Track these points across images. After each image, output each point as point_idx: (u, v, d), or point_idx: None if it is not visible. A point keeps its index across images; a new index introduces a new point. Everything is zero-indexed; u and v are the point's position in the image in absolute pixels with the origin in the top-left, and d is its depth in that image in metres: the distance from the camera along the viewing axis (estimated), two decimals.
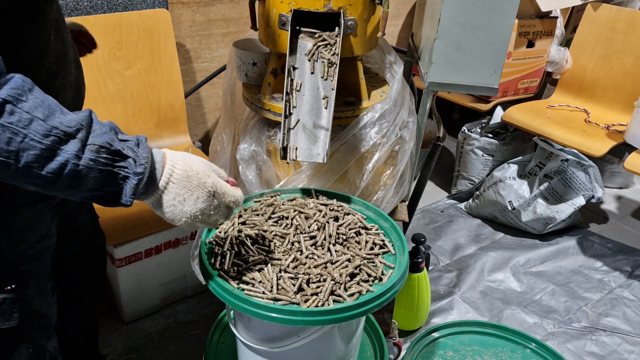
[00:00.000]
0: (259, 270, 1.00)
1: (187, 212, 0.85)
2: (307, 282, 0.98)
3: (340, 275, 0.98)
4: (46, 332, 1.07)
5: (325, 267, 1.01)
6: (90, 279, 1.39)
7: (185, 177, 0.84)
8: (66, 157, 0.72)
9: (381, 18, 1.34)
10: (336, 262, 1.02)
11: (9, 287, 0.93)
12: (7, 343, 0.98)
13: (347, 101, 1.40)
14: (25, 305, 0.97)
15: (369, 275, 1.01)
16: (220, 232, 1.10)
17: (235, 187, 0.93)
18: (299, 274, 0.98)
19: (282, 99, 1.24)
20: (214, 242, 1.07)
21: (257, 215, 1.15)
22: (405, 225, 1.89)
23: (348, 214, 1.18)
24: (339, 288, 0.96)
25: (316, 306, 0.93)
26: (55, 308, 1.10)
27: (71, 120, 0.73)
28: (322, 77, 1.23)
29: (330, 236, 1.07)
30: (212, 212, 0.87)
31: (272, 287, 0.96)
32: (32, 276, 0.98)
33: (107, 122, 0.79)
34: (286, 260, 1.01)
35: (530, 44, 2.55)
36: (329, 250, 1.05)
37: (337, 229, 1.10)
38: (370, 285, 0.99)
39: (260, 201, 1.22)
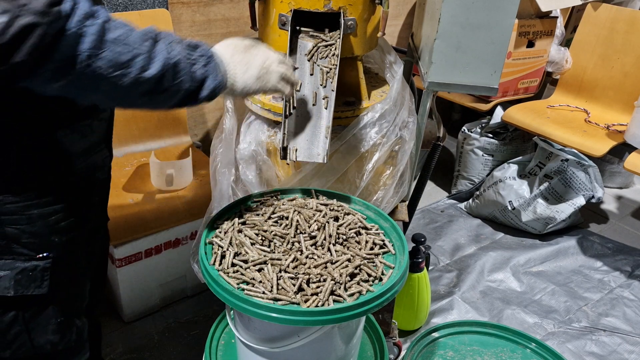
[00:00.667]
0: (259, 270, 1.00)
1: (255, 69, 0.98)
2: (307, 282, 0.98)
3: (340, 275, 0.98)
4: (76, 308, 1.12)
5: (325, 267, 1.01)
6: (95, 279, 1.40)
7: (234, 47, 0.97)
8: (163, 54, 0.83)
9: (381, 18, 1.34)
10: (336, 262, 1.02)
11: (40, 255, 0.98)
12: (37, 309, 1.03)
13: (347, 101, 1.40)
14: (56, 275, 1.01)
15: (369, 275, 1.01)
16: (220, 232, 1.10)
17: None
18: (299, 274, 0.98)
19: (282, 99, 1.24)
20: (214, 242, 1.07)
21: (257, 215, 1.15)
22: (405, 225, 1.89)
23: (348, 214, 1.18)
24: (339, 288, 0.96)
25: (316, 306, 0.93)
26: (87, 288, 1.15)
27: (146, 28, 0.84)
28: (322, 85, 1.23)
29: (330, 236, 1.07)
30: (269, 65, 1.00)
31: (272, 287, 0.96)
32: (65, 248, 1.02)
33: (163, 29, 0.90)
34: (286, 260, 1.01)
35: (530, 44, 2.55)
36: (329, 250, 1.05)
37: (337, 229, 1.10)
38: (370, 285, 0.99)
39: (260, 201, 1.22)
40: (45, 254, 0.99)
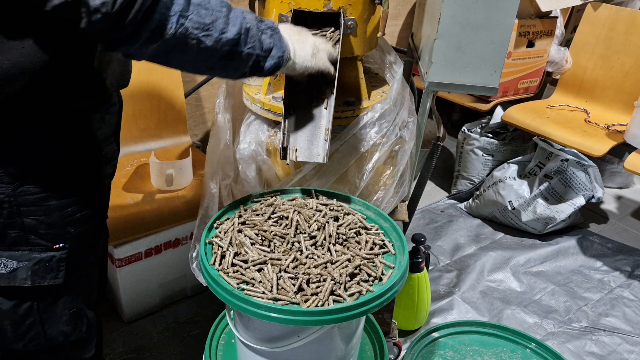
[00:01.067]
0: (259, 270, 1.00)
1: (309, 47, 1.08)
2: (307, 282, 0.98)
3: (340, 275, 0.98)
4: (87, 300, 1.14)
5: (325, 267, 1.01)
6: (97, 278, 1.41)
7: (290, 29, 1.08)
8: (239, 20, 0.90)
9: (381, 18, 1.34)
10: (336, 262, 1.02)
11: (57, 246, 1.01)
12: (51, 300, 1.06)
13: (347, 101, 1.40)
14: (70, 266, 1.04)
15: (369, 275, 1.01)
16: (220, 232, 1.10)
17: None
18: (298, 274, 0.98)
19: (282, 99, 1.24)
20: (214, 242, 1.07)
21: (257, 215, 1.15)
22: (405, 225, 1.89)
23: (348, 214, 1.18)
24: (339, 288, 0.96)
25: (316, 306, 0.93)
26: (96, 281, 1.18)
27: None
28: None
29: (330, 236, 1.07)
30: (318, 45, 1.10)
31: (272, 287, 0.96)
32: (80, 239, 1.05)
33: None
34: (286, 260, 1.01)
35: (530, 44, 2.55)
36: (329, 250, 1.05)
37: (337, 229, 1.10)
38: (370, 285, 0.99)
39: (260, 201, 1.22)
40: (61, 245, 1.01)
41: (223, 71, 0.96)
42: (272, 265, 1.01)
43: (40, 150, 0.94)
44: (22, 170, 0.94)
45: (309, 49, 1.07)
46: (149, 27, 0.80)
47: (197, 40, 0.85)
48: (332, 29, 1.28)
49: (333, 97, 1.20)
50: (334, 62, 1.15)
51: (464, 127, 2.74)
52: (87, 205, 1.05)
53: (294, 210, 1.14)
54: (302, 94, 1.23)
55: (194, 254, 1.43)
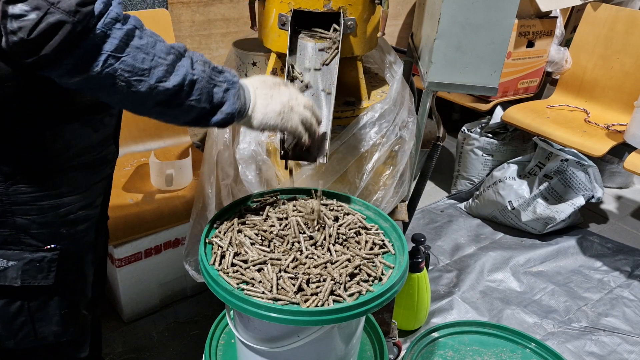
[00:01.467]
0: (259, 270, 1.00)
1: (277, 105, 0.99)
2: (307, 282, 0.98)
3: (340, 275, 0.98)
4: (81, 301, 1.13)
5: (325, 267, 1.01)
6: (96, 276, 1.41)
7: (262, 81, 1.01)
8: (185, 70, 0.86)
9: (381, 18, 1.34)
10: (336, 262, 1.02)
11: (48, 247, 1.00)
12: (43, 300, 1.05)
13: (347, 101, 1.40)
14: (62, 267, 1.03)
15: (369, 275, 1.01)
16: (220, 232, 1.10)
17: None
18: (298, 274, 0.98)
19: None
20: (214, 242, 1.07)
21: (257, 215, 1.15)
22: (405, 225, 1.89)
23: (348, 214, 1.18)
24: (339, 288, 0.96)
25: (316, 306, 0.93)
26: (90, 282, 1.16)
27: (177, 44, 0.89)
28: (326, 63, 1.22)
29: (330, 236, 1.07)
30: (293, 105, 1.01)
31: (271, 287, 0.96)
32: (73, 240, 1.04)
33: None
34: (286, 260, 1.01)
35: (530, 44, 2.55)
36: (328, 250, 1.05)
37: (337, 229, 1.10)
38: (370, 285, 0.99)
39: (260, 201, 1.22)
40: (53, 245, 1.00)
41: (161, 117, 0.91)
42: (272, 265, 1.01)
43: (36, 150, 0.94)
44: (15, 169, 0.93)
45: (276, 106, 0.99)
46: (70, 60, 0.78)
47: (128, 83, 0.82)
48: (333, 28, 1.28)
49: (333, 97, 1.20)
50: (310, 129, 1.05)
51: (463, 127, 2.74)
52: (82, 206, 1.04)
53: (294, 210, 1.14)
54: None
55: (188, 253, 1.44)
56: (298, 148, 1.13)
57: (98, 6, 0.77)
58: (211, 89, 0.90)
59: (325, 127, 1.18)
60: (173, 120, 0.92)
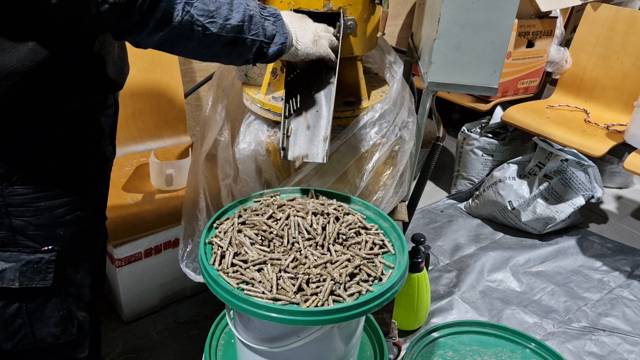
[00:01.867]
0: (259, 270, 1.00)
1: (311, 34, 1.10)
2: (307, 282, 0.98)
3: (340, 275, 0.98)
4: (78, 303, 1.12)
5: (325, 267, 1.01)
6: (95, 277, 1.41)
7: (292, 16, 1.11)
8: (242, 7, 0.93)
9: (381, 18, 1.34)
10: (336, 262, 1.02)
11: (46, 248, 1.00)
12: (40, 302, 1.04)
13: (347, 101, 1.40)
14: (60, 268, 1.03)
15: (369, 275, 1.01)
16: (220, 232, 1.10)
17: None
18: (298, 273, 0.98)
19: (282, 99, 1.24)
20: (214, 242, 1.07)
21: (257, 215, 1.15)
22: (405, 225, 1.89)
23: (348, 214, 1.18)
24: (339, 288, 0.96)
25: (316, 306, 0.93)
26: (89, 283, 1.16)
27: None
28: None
29: (330, 236, 1.07)
30: (319, 32, 1.13)
31: (271, 287, 0.96)
32: (70, 241, 1.03)
33: None
34: (286, 260, 1.01)
35: (530, 44, 2.55)
36: (328, 250, 1.05)
37: (338, 229, 1.10)
38: (370, 285, 0.99)
39: (260, 201, 1.22)
40: (50, 247, 1.00)
41: (227, 58, 0.98)
42: (271, 265, 1.01)
43: (31, 150, 0.93)
44: (11, 170, 0.92)
45: (310, 36, 1.10)
46: (156, 15, 0.82)
47: (203, 27, 0.88)
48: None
49: (333, 97, 1.20)
50: (334, 50, 1.17)
51: (463, 127, 2.74)
52: (79, 207, 1.03)
53: (294, 210, 1.14)
54: (302, 94, 1.23)
55: (184, 254, 1.44)
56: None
57: None
58: (263, 23, 0.98)
59: (325, 127, 1.18)
60: (237, 60, 0.99)
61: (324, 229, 1.09)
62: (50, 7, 0.78)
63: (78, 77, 0.94)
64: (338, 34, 1.24)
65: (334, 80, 1.21)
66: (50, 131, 0.94)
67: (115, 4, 0.77)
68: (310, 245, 1.06)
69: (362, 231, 1.13)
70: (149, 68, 2.01)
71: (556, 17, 2.59)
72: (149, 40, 0.87)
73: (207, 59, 0.99)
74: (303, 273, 0.99)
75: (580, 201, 2.38)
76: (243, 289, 0.96)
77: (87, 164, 1.04)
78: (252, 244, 1.05)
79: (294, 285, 0.96)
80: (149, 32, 0.84)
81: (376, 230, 1.14)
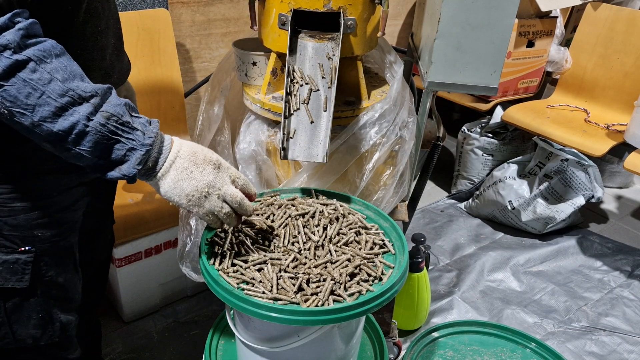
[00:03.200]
0: (259, 270, 1.00)
1: (190, 186, 0.90)
2: (307, 282, 0.98)
3: (340, 275, 0.98)
4: (62, 305, 1.10)
5: (325, 267, 1.01)
6: (96, 279, 1.40)
7: (192, 153, 0.91)
8: (77, 117, 0.79)
9: (381, 18, 1.34)
10: (336, 261, 1.02)
11: (23, 249, 0.98)
12: (18, 302, 1.02)
13: (347, 101, 1.40)
14: (38, 270, 1.01)
15: (369, 275, 1.01)
16: (220, 232, 1.10)
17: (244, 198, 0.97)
18: (298, 273, 0.98)
19: (282, 99, 1.24)
20: (214, 242, 1.07)
21: (257, 215, 1.15)
22: (405, 225, 1.89)
23: (348, 213, 1.18)
24: (339, 288, 0.96)
25: (316, 306, 0.93)
26: (78, 287, 1.14)
27: (88, 86, 0.81)
28: (322, 77, 1.23)
29: (330, 236, 1.07)
30: (210, 192, 0.91)
31: (272, 286, 0.96)
32: (49, 244, 1.01)
33: (125, 100, 0.87)
34: (286, 260, 1.01)
35: (530, 44, 2.55)
36: (329, 250, 1.05)
37: (338, 229, 1.10)
38: (370, 285, 0.99)
39: (260, 201, 1.22)
40: (27, 248, 0.98)
41: (55, 153, 0.85)
42: (272, 265, 1.01)
43: (4, 152, 0.91)
44: None
45: (186, 187, 0.90)
46: None
47: (10, 112, 0.78)
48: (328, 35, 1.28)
49: (333, 97, 1.20)
50: (223, 221, 0.97)
51: (463, 127, 2.74)
52: (58, 210, 1.01)
53: (294, 210, 1.14)
54: (302, 94, 1.23)
55: (183, 255, 1.44)
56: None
57: None
58: (110, 145, 0.83)
59: (325, 127, 1.18)
60: (69, 159, 0.85)
61: (324, 228, 1.09)
62: None
63: None
64: (336, 39, 1.21)
65: (334, 80, 1.21)
66: (21, 134, 0.90)
67: None
68: (310, 245, 1.06)
69: (362, 231, 1.13)
70: (149, 68, 2.01)
71: (556, 17, 2.59)
72: None
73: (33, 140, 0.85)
74: (303, 273, 0.99)
75: (580, 201, 2.38)
76: (243, 289, 0.96)
77: (65, 168, 0.99)
78: (252, 243, 1.05)
79: (294, 285, 0.96)
80: None
81: (376, 230, 1.14)
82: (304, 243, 1.06)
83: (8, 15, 0.75)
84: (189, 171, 0.90)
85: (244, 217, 1.04)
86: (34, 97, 0.77)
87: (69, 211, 1.04)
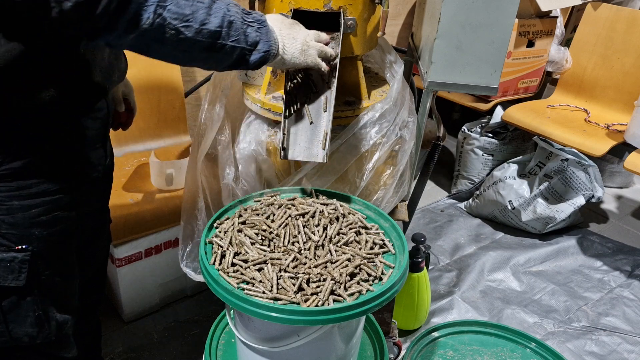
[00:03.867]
0: (259, 270, 1.00)
1: (299, 43, 1.07)
2: (307, 282, 0.98)
3: (340, 275, 0.98)
4: (59, 304, 1.10)
5: (325, 267, 1.01)
6: (95, 279, 1.40)
7: (281, 22, 1.06)
8: (222, 11, 0.90)
9: (381, 17, 1.34)
10: (336, 261, 1.02)
11: (19, 247, 0.98)
12: (15, 301, 1.02)
13: (347, 101, 1.40)
14: (35, 268, 1.01)
15: (369, 275, 1.01)
16: (220, 232, 1.10)
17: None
18: (298, 273, 0.98)
19: (282, 99, 1.24)
20: (214, 242, 1.07)
21: (257, 215, 1.15)
22: (405, 225, 1.90)
23: (348, 213, 1.18)
24: (339, 287, 0.96)
25: (316, 306, 0.93)
26: (76, 287, 1.14)
27: None
28: (322, 77, 1.23)
29: (330, 236, 1.07)
30: (309, 41, 1.09)
31: (272, 286, 0.96)
32: (46, 243, 1.01)
33: None
34: (286, 259, 1.01)
35: (530, 44, 2.55)
36: (329, 249, 1.05)
37: (338, 228, 1.10)
38: (370, 285, 0.99)
39: (260, 201, 1.22)
40: (24, 246, 0.98)
41: (205, 63, 0.96)
42: (272, 264, 1.01)
43: (5, 148, 0.91)
44: None
45: (298, 45, 1.07)
46: (125, 17, 0.80)
47: (176, 30, 0.85)
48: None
49: (333, 96, 1.20)
50: (326, 59, 1.14)
51: (464, 127, 2.74)
52: (56, 209, 1.01)
53: (294, 210, 1.14)
54: (302, 94, 1.23)
55: (184, 255, 1.44)
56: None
57: None
58: (246, 29, 0.94)
59: (325, 126, 1.18)
60: (216, 65, 0.97)
61: (324, 228, 1.09)
62: (14, 5, 0.76)
63: (58, 78, 0.91)
64: (336, 38, 1.22)
65: (334, 80, 1.21)
66: (26, 131, 0.92)
67: (78, 3, 0.76)
68: (310, 245, 1.06)
69: (363, 231, 1.13)
70: (149, 68, 2.01)
71: (556, 17, 2.59)
72: (121, 42, 0.85)
73: (184, 64, 0.96)
74: (303, 273, 0.99)
75: (580, 201, 2.38)
76: (243, 289, 0.96)
77: (66, 167, 1.00)
78: (252, 243, 1.06)
79: (294, 284, 0.96)
80: (119, 34, 0.83)
81: (376, 229, 1.15)
82: (304, 243, 1.06)
83: None
84: (292, 35, 1.06)
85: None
86: (189, 6, 0.86)
87: (68, 210, 1.04)
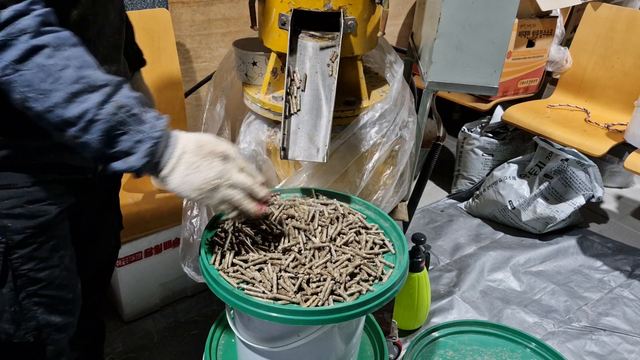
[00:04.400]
0: (259, 270, 1.00)
1: (199, 179, 0.89)
2: (307, 282, 0.98)
3: (340, 275, 0.98)
4: (48, 305, 1.05)
5: (325, 267, 1.01)
6: (97, 282, 1.39)
7: (199, 147, 0.90)
8: (89, 105, 0.80)
9: (381, 17, 1.34)
10: (336, 261, 1.02)
11: None
12: None
13: (347, 101, 1.40)
14: (10, 261, 0.97)
15: (369, 275, 1.01)
16: (220, 232, 1.10)
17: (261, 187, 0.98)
18: (298, 273, 0.98)
19: (282, 99, 1.24)
20: (214, 242, 1.07)
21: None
22: (405, 225, 1.89)
23: (348, 213, 1.18)
24: (339, 287, 0.96)
25: (316, 306, 0.93)
26: (73, 288, 1.10)
27: (102, 76, 0.83)
28: (329, 75, 1.23)
29: (330, 236, 1.07)
30: (219, 184, 0.91)
31: (272, 286, 0.96)
32: (22, 236, 0.98)
33: (138, 93, 0.87)
34: (286, 259, 1.01)
35: (530, 44, 2.55)
36: (329, 249, 1.05)
37: (338, 228, 1.10)
38: (370, 285, 0.99)
39: None
40: None
41: (64, 140, 0.85)
42: (272, 264, 1.01)
43: None
44: None
45: (195, 180, 0.89)
46: None
47: (24, 97, 0.79)
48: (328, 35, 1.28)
49: (333, 96, 1.20)
50: (238, 209, 0.95)
51: (464, 127, 2.74)
52: (30, 202, 0.97)
53: (294, 210, 1.14)
54: (303, 94, 1.23)
55: (185, 254, 1.44)
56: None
57: (6, 14, 0.76)
58: (119, 135, 0.83)
59: (325, 126, 1.18)
60: (78, 149, 0.85)
61: (324, 228, 1.09)
62: None
63: None
64: (336, 38, 1.21)
65: (334, 80, 1.21)
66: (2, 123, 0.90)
67: None
68: (310, 245, 1.06)
69: (363, 231, 1.13)
70: (149, 68, 2.00)
71: (556, 17, 2.59)
72: None
73: (41, 126, 0.85)
74: (303, 273, 0.99)
75: (580, 201, 2.38)
76: (243, 289, 0.96)
77: (35, 166, 0.97)
78: (252, 243, 1.05)
79: (294, 284, 0.96)
80: None
81: (376, 229, 1.14)
82: (304, 243, 1.06)
83: (27, 1, 0.77)
84: (197, 166, 0.89)
85: (251, 214, 0.99)
86: (48, 83, 0.78)
87: (44, 205, 1.00)
